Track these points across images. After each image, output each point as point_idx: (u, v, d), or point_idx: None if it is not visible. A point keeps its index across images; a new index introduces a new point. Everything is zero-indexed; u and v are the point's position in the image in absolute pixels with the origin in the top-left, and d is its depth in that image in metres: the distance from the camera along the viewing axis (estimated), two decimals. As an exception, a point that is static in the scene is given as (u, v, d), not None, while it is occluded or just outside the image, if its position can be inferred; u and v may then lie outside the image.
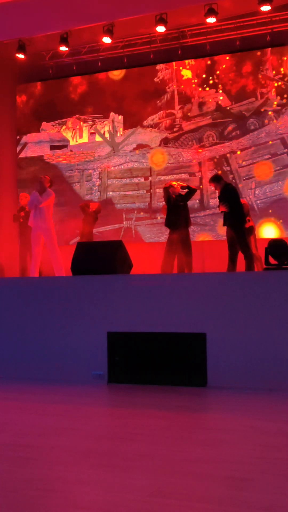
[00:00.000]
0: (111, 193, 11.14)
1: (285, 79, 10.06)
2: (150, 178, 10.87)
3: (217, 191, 7.92)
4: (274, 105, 10.13)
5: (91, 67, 11.23)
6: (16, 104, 11.85)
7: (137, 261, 6.60)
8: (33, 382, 5.60)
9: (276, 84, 10.12)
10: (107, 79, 11.27)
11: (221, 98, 10.50)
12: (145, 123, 10.97)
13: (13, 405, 4.71)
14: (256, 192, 10.14)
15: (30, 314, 5.94)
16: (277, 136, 10.09)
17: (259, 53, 10.25)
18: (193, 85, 10.68)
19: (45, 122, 11.73)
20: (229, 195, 7.54)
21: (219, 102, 10.51)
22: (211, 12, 8.99)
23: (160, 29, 9.44)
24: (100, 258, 5.92)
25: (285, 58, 10.07)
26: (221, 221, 8.02)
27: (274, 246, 5.80)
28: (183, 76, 10.76)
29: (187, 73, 10.73)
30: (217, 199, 7.86)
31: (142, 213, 10.86)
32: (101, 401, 4.94)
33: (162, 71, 10.90)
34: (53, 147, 11.66)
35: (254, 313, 5.15)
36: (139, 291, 5.60)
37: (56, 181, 11.19)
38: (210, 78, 10.56)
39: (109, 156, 11.22)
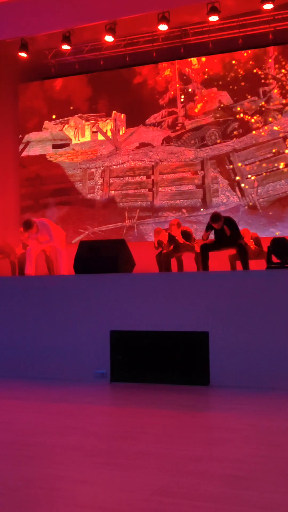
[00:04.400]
0: (113, 191, 11.14)
1: (288, 78, 10.05)
2: (152, 177, 10.86)
3: (218, 228, 7.20)
4: (277, 104, 10.11)
5: (93, 66, 11.23)
6: (18, 102, 11.85)
7: (139, 260, 6.60)
8: (35, 381, 5.61)
9: (278, 83, 10.10)
10: (109, 77, 11.25)
11: (223, 96, 10.48)
12: (147, 121, 10.96)
13: (15, 404, 4.72)
14: (259, 190, 10.13)
15: (32, 313, 5.95)
16: (279, 134, 10.07)
17: (261, 51, 10.23)
18: (196, 84, 10.67)
19: (47, 121, 11.72)
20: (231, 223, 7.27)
21: (222, 100, 10.50)
22: (213, 10, 8.96)
23: (163, 27, 9.41)
24: (103, 257, 5.93)
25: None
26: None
27: (277, 245, 5.81)
28: (185, 74, 10.75)
29: (189, 72, 10.72)
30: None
31: (144, 212, 10.86)
32: (103, 400, 4.95)
33: (165, 69, 10.90)
34: (55, 146, 11.66)
35: (257, 311, 5.15)
36: (141, 290, 5.60)
37: (58, 180, 11.22)
38: (213, 76, 10.55)
39: (111, 155, 11.22)
